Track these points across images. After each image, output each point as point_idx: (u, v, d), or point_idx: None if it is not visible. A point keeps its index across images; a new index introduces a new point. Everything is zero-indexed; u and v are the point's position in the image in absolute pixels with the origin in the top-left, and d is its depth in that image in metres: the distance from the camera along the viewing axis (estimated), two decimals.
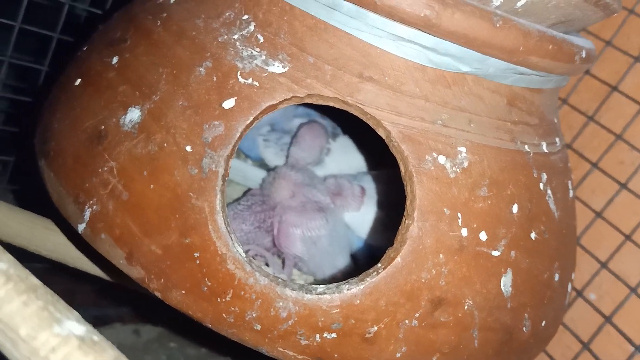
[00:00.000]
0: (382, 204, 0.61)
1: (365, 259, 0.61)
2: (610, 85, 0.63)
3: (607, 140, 0.63)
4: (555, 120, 0.45)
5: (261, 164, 0.67)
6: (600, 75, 0.64)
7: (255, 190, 0.61)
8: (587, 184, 0.65)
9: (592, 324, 0.62)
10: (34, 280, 0.26)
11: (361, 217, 0.60)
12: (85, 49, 0.46)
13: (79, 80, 0.43)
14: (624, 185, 0.61)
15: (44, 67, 0.64)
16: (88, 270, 0.51)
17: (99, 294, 0.74)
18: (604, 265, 0.62)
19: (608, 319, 0.60)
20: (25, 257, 0.51)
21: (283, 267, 0.58)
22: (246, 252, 0.57)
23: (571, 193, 0.46)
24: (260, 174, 0.64)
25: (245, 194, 0.61)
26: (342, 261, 0.58)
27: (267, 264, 0.58)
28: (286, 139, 0.65)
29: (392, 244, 0.37)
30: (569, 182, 0.46)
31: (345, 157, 0.67)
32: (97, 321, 0.74)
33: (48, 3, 0.63)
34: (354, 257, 0.61)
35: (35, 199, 0.55)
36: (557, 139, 0.45)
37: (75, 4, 0.63)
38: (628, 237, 0.60)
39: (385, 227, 0.60)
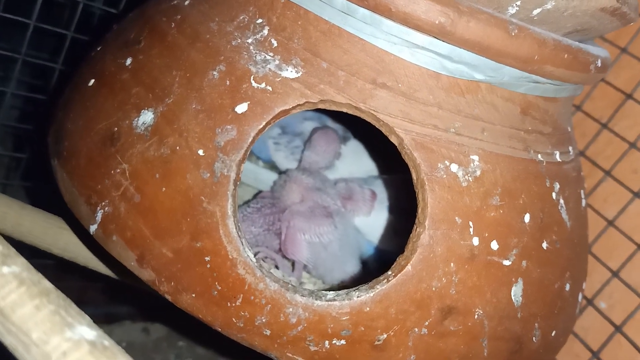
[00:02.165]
0: (393, 209, 0.61)
1: (375, 263, 0.61)
2: (625, 92, 0.63)
3: (621, 148, 0.62)
4: (569, 129, 0.45)
5: (272, 165, 0.67)
6: (615, 83, 0.64)
7: (265, 193, 0.61)
8: (600, 192, 0.64)
9: (602, 333, 0.61)
10: (47, 284, 0.26)
11: (372, 221, 0.60)
12: (99, 49, 0.46)
13: (92, 81, 0.43)
14: (637, 195, 0.60)
15: (58, 65, 0.64)
16: (99, 269, 0.51)
17: (109, 292, 0.75)
18: (615, 274, 0.61)
19: (618, 329, 0.59)
20: (37, 253, 0.51)
21: (293, 269, 0.58)
22: (256, 254, 0.58)
23: (583, 202, 0.46)
24: (271, 176, 0.64)
25: (255, 196, 0.61)
26: (352, 266, 0.58)
27: (276, 266, 0.58)
28: (297, 142, 0.65)
29: (402, 250, 0.37)
30: (582, 191, 0.46)
31: (356, 161, 0.67)
32: (107, 318, 0.74)
33: (64, 1, 0.64)
34: (363, 261, 0.61)
35: (47, 196, 0.55)
36: (570, 148, 0.44)
37: (91, 2, 0.64)
38: None
39: (396, 232, 0.60)
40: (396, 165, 0.41)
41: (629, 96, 0.62)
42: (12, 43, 0.63)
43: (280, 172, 0.65)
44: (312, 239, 0.57)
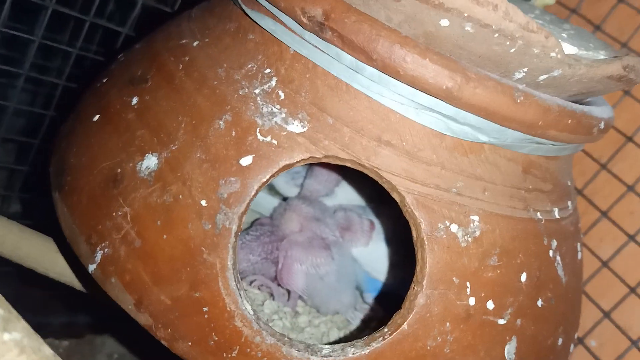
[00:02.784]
0: (390, 240, 0.61)
1: (371, 294, 0.62)
2: (626, 135, 0.63)
3: (619, 190, 0.63)
4: (569, 183, 0.45)
5: (272, 189, 0.67)
6: (616, 124, 0.64)
7: (264, 220, 0.62)
8: (596, 232, 0.65)
9: None
10: (47, 350, 0.26)
11: (369, 252, 0.61)
12: (105, 81, 0.46)
13: (97, 116, 0.43)
14: (632, 237, 0.61)
15: (61, 81, 0.64)
16: (97, 297, 0.51)
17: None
18: (606, 315, 0.62)
19: None
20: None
21: (288, 298, 0.59)
22: (252, 282, 0.58)
23: (579, 255, 0.46)
24: (272, 201, 0.64)
25: (253, 223, 0.62)
26: (348, 297, 0.58)
27: (272, 295, 0.59)
28: (297, 168, 0.65)
29: (399, 304, 0.37)
30: (579, 244, 0.46)
31: (355, 188, 0.67)
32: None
33: (73, 17, 0.63)
34: (359, 290, 0.62)
35: (45, 209, 0.55)
36: (569, 203, 0.45)
37: (97, 20, 0.63)
38: (633, 290, 0.60)
39: (392, 264, 0.60)
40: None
41: (629, 139, 0.63)
42: (15, 60, 0.63)
43: (281, 197, 0.66)
44: (309, 270, 0.57)
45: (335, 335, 0.56)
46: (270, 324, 0.53)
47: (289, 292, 0.59)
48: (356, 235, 0.60)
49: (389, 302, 0.63)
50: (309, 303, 0.59)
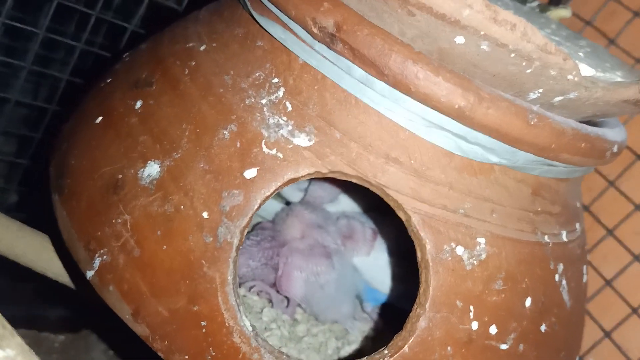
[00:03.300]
0: (392, 250, 0.61)
1: (369, 302, 0.61)
2: (636, 153, 0.62)
3: (626, 208, 0.62)
4: (578, 205, 0.45)
5: (277, 195, 0.66)
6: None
7: (265, 224, 0.61)
8: (600, 250, 0.64)
9: None
10: None
11: (370, 262, 0.60)
12: (109, 81, 0.45)
13: (100, 119, 0.42)
14: (637, 257, 0.60)
15: (65, 75, 0.63)
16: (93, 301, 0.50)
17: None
18: (607, 334, 0.61)
19: None
20: None
21: (287, 305, 0.58)
22: (251, 288, 0.58)
23: (585, 278, 0.46)
24: (275, 205, 0.63)
25: (255, 227, 0.61)
26: (347, 307, 0.58)
27: (271, 301, 0.58)
28: None
29: (400, 325, 0.37)
30: (584, 267, 0.45)
31: (358, 194, 0.66)
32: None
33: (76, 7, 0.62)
34: (359, 299, 0.61)
35: (40, 205, 0.55)
36: (577, 225, 0.44)
37: (103, 15, 0.62)
38: (635, 311, 0.59)
39: (394, 276, 0.60)
40: None
41: (639, 157, 0.62)
42: (19, 50, 0.62)
43: (284, 201, 0.65)
44: (308, 278, 0.56)
45: (333, 345, 0.56)
46: (269, 333, 0.52)
47: (288, 299, 0.58)
48: (358, 244, 0.59)
49: (388, 312, 0.62)
50: (308, 311, 0.58)
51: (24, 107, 0.70)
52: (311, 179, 0.62)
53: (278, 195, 0.66)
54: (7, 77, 0.71)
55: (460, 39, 0.33)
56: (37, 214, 0.56)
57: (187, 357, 0.36)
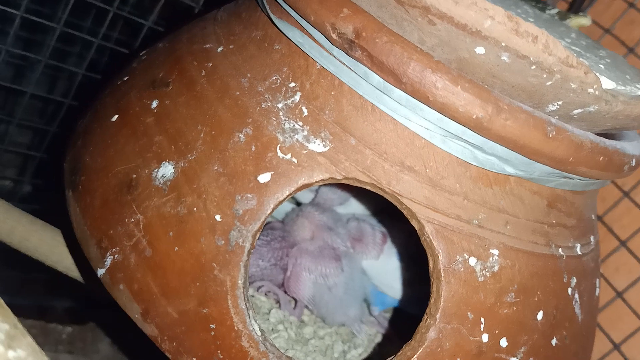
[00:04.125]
0: (402, 255, 0.60)
1: (377, 306, 0.61)
2: None
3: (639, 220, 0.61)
4: (593, 217, 0.44)
5: None
6: None
7: (275, 224, 0.61)
8: (612, 261, 0.63)
9: None
10: None
11: (379, 265, 0.60)
12: (126, 79, 0.45)
13: (115, 117, 0.42)
14: None
15: (81, 70, 0.63)
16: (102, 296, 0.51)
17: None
18: (616, 346, 0.61)
19: None
20: None
21: (295, 306, 0.58)
22: (259, 288, 0.58)
23: (597, 291, 0.45)
24: (286, 205, 0.63)
25: (265, 226, 0.61)
26: (355, 310, 0.57)
27: (278, 302, 0.58)
28: None
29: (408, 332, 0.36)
30: (597, 280, 0.45)
31: (369, 197, 0.66)
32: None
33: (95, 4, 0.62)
34: (366, 302, 0.61)
35: (53, 198, 0.55)
36: (591, 238, 0.43)
37: (120, 11, 0.62)
38: None
39: (403, 280, 0.59)
40: None
41: None
42: (37, 43, 0.62)
43: (295, 201, 0.65)
44: (317, 280, 0.56)
45: (339, 348, 0.56)
46: (275, 334, 0.52)
47: (295, 300, 0.58)
48: (367, 248, 0.59)
49: (396, 316, 0.62)
50: (315, 313, 0.58)
51: (40, 100, 0.70)
52: None
53: None
54: (24, 70, 0.71)
55: (480, 50, 0.32)
56: (50, 207, 0.56)
57: (195, 359, 0.36)
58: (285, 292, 0.58)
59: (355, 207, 0.65)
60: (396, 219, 0.63)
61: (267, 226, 0.61)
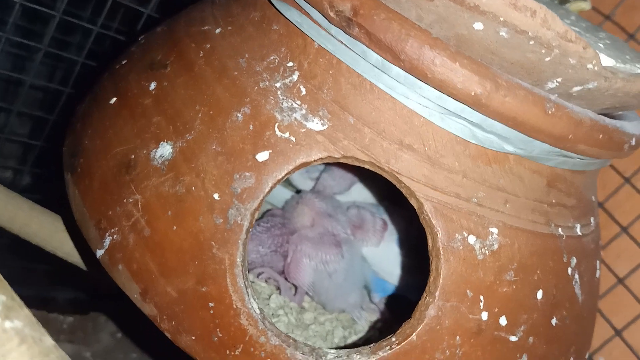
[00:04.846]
0: (402, 241, 0.60)
1: (377, 293, 0.61)
2: None
3: None
4: (593, 199, 0.44)
5: (287, 181, 0.66)
6: None
7: (276, 211, 0.61)
8: (614, 247, 0.63)
9: None
10: (48, 341, 0.25)
11: (380, 252, 0.60)
12: (124, 63, 0.45)
13: (114, 99, 0.42)
14: None
15: (81, 59, 0.63)
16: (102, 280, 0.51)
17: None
18: (618, 332, 0.61)
19: None
20: None
21: (295, 293, 0.58)
22: (259, 274, 0.58)
23: (598, 273, 0.45)
24: (285, 192, 0.63)
25: (265, 213, 0.61)
26: (355, 296, 0.57)
27: (278, 288, 0.58)
28: None
29: (408, 314, 0.36)
30: (597, 262, 0.45)
31: (370, 185, 0.66)
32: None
33: None
34: (367, 290, 0.61)
35: (53, 186, 0.55)
36: (592, 219, 0.43)
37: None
38: None
39: (403, 267, 0.59)
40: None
41: None
42: (36, 33, 0.62)
43: (294, 189, 0.65)
44: (317, 266, 0.56)
45: (340, 334, 0.56)
46: (276, 319, 0.52)
47: (296, 286, 0.58)
48: (368, 234, 0.59)
49: (396, 303, 0.62)
50: (316, 299, 0.58)
51: (39, 89, 0.70)
52: (324, 167, 0.62)
53: (289, 183, 0.65)
54: (23, 59, 0.71)
55: (478, 25, 0.32)
56: (50, 196, 0.56)
57: (193, 338, 0.36)
58: (286, 278, 0.58)
59: (355, 195, 0.65)
60: (397, 206, 0.63)
61: (267, 213, 0.61)
